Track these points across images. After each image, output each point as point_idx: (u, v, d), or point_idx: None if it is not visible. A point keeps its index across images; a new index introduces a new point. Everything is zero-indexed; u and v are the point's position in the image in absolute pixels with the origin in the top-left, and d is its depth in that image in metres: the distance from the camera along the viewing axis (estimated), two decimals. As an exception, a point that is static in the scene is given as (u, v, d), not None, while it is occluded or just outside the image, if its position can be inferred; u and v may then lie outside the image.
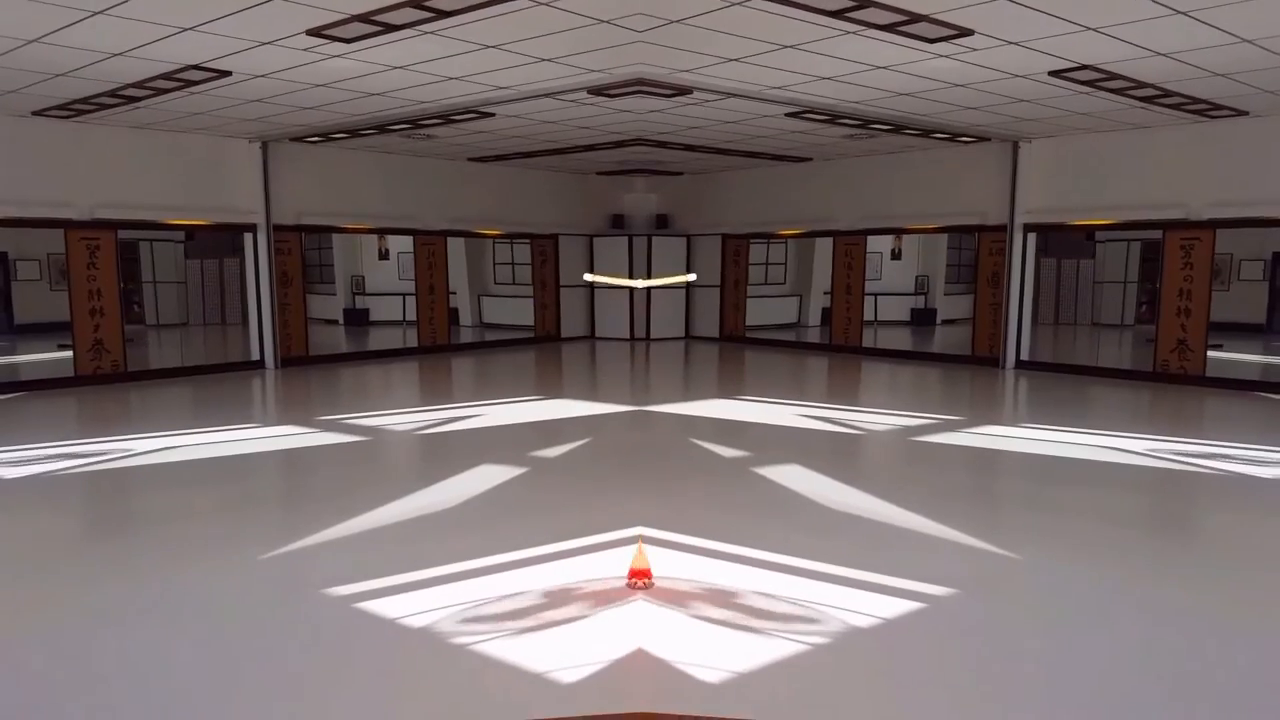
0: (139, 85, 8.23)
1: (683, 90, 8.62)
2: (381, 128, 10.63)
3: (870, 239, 13.75)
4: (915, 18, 6.24)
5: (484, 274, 17.86)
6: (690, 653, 3.32)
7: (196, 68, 7.60)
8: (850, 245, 13.70)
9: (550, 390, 10.96)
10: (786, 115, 9.96)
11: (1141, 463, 6.67)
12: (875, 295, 14.67)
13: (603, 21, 6.31)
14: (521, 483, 6.09)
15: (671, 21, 6.36)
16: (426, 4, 5.90)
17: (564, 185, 15.56)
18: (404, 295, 15.23)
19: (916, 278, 18.53)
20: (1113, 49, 7.00)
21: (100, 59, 7.29)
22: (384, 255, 18.52)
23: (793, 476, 6.11)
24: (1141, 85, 8.23)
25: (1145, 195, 10.75)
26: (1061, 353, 13.81)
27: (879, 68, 7.74)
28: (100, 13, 6.01)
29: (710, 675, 3.14)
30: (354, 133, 11.00)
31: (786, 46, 7.07)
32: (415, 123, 10.27)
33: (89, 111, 9.55)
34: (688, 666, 3.20)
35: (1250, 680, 3.21)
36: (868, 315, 14.01)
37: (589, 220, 16.01)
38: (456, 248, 15.33)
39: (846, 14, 6.14)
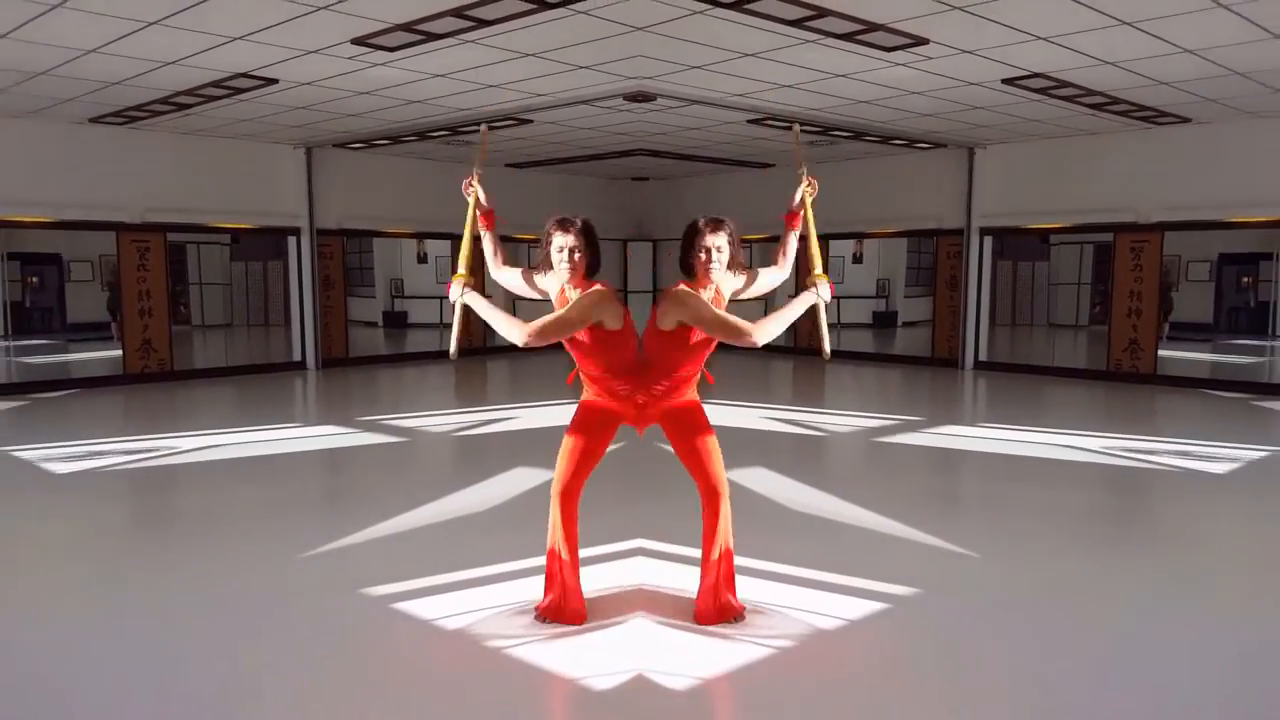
0: (190, 93, 8.44)
1: (646, 97, 8.69)
2: (422, 134, 10.79)
3: (832, 243, 13.93)
4: (872, 27, 6.36)
5: (519, 278, 17.78)
6: (657, 659, 3.36)
7: (245, 75, 7.79)
8: (812, 249, 13.84)
9: (583, 392, 10.92)
10: (748, 122, 10.07)
11: (1096, 460, 6.85)
12: (837, 298, 14.79)
13: (639, 29, 6.43)
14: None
15: (635, 29, 6.43)
16: (468, 13, 5.97)
17: (598, 190, 15.59)
18: (442, 298, 15.15)
19: (878, 281, 18.75)
20: (1062, 57, 7.19)
21: (154, 68, 7.45)
22: (422, 259, 18.31)
23: (756, 479, 6.18)
24: (1091, 93, 8.46)
25: (1096, 199, 11.02)
26: (1018, 353, 14.08)
27: (838, 76, 7.87)
28: (155, 23, 6.17)
29: (675, 683, 3.18)
30: (395, 139, 11.19)
31: (747, 55, 7.17)
32: (455, 129, 10.40)
33: (142, 119, 9.73)
34: (654, 675, 3.24)
35: (1209, 673, 3.33)
36: (830, 318, 14.14)
37: (621, 225, 16.09)
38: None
39: (805, 23, 6.25)
